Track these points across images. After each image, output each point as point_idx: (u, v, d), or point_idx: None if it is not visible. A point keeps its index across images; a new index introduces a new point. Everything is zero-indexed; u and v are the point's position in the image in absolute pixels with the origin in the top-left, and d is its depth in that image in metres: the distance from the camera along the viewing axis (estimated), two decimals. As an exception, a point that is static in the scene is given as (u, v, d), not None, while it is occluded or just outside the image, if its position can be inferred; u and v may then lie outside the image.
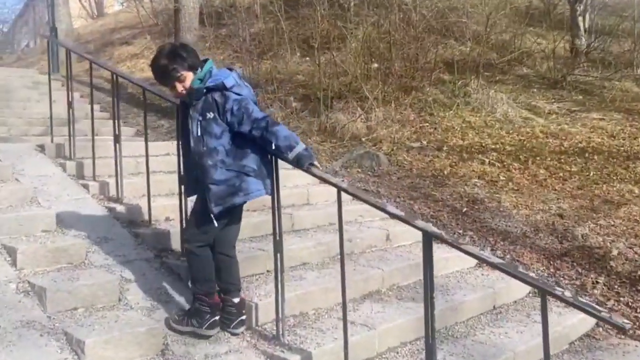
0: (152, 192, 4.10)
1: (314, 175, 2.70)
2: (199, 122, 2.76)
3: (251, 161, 2.79)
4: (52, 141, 5.24)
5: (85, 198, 4.13)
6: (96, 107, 7.15)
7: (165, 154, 5.06)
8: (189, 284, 3.05)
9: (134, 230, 3.78)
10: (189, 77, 2.76)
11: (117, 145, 4.25)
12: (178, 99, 3.02)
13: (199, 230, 2.86)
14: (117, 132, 4.24)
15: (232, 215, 2.91)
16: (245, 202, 2.87)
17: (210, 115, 2.75)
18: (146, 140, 4.04)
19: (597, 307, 1.77)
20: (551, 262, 4.57)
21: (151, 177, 4.11)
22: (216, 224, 2.79)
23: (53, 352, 2.42)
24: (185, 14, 8.42)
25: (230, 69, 2.91)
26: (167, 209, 4.05)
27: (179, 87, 2.77)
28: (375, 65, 8.79)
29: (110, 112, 6.14)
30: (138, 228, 3.83)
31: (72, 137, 4.82)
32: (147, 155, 3.98)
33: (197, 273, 2.90)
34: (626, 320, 3.69)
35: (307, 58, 10.01)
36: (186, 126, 2.86)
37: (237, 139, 2.79)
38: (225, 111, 2.76)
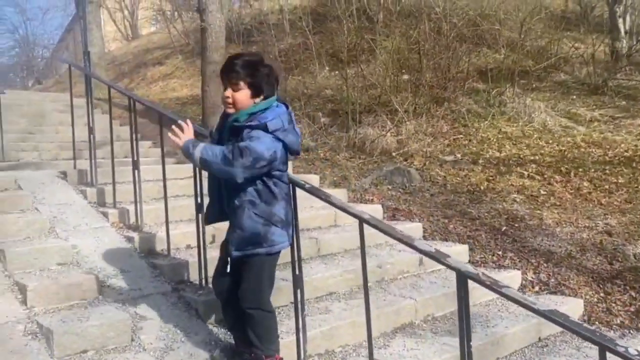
0: (174, 217, 3.96)
1: (334, 205, 2.47)
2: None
3: (280, 208, 2.55)
4: (74, 167, 5.17)
5: (104, 227, 4.00)
6: (127, 128, 7.16)
7: (190, 177, 4.90)
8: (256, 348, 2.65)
9: (151, 261, 3.61)
10: (244, 95, 2.46)
11: (136, 171, 4.11)
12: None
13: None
14: (135, 158, 4.11)
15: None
16: (268, 253, 2.58)
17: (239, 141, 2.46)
18: (163, 165, 3.89)
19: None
20: (600, 286, 4.20)
21: (173, 202, 3.96)
22: (227, 270, 2.59)
23: (55, 404, 2.25)
24: (212, 32, 8.34)
25: (287, 106, 2.59)
26: (187, 236, 3.88)
27: (227, 93, 2.48)
28: (405, 76, 8.54)
29: (140, 134, 6.05)
30: (156, 258, 3.66)
31: (93, 162, 4.73)
32: (164, 179, 3.83)
33: (267, 332, 2.64)
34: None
35: (336, 72, 9.85)
36: (219, 142, 2.57)
37: (269, 182, 2.52)
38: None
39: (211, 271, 2.93)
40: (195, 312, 3.14)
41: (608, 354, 1.60)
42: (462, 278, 1.89)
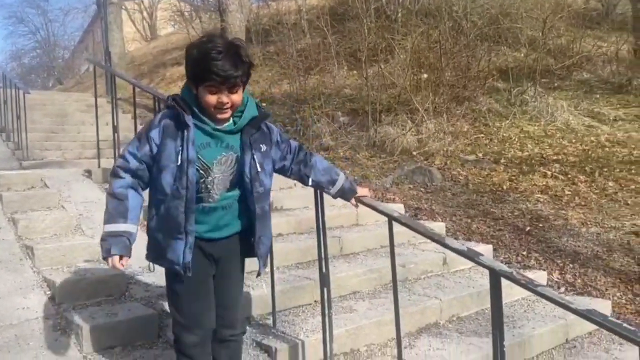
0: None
1: (364, 204, 2.45)
2: (252, 156, 2.10)
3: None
4: (99, 166, 5.22)
5: (129, 225, 4.03)
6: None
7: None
8: None
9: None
10: (240, 92, 2.03)
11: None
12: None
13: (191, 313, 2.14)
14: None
15: None
16: None
17: (263, 148, 2.16)
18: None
19: None
20: (629, 287, 4.12)
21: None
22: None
23: (86, 398, 2.27)
24: (232, 32, 8.37)
25: None
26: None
27: (226, 99, 1.97)
28: (425, 75, 8.47)
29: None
30: (181, 256, 3.68)
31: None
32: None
33: None
34: None
35: (355, 72, 9.82)
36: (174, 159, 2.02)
37: None
38: (272, 143, 2.23)
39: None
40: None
41: None
42: (496, 277, 1.86)
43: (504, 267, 1.89)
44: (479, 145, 7.28)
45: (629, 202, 5.47)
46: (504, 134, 7.48)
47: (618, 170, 6.19)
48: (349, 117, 8.33)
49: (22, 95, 6.24)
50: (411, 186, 6.21)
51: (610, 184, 5.91)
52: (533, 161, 6.65)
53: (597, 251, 4.59)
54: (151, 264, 2.22)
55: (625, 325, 1.62)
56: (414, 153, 7.13)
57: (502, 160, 6.72)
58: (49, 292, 3.04)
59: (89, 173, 4.97)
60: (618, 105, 8.24)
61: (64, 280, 3.04)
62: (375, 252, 4.18)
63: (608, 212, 5.27)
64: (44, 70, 34.78)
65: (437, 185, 6.21)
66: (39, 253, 3.32)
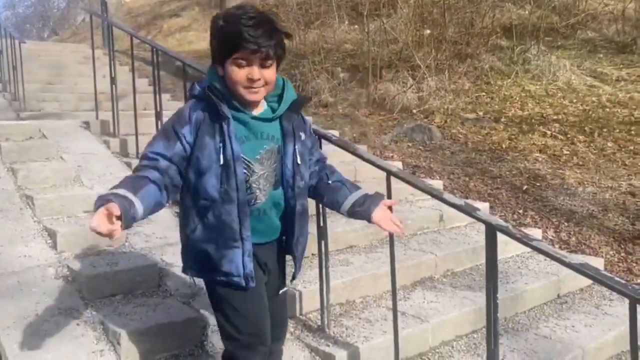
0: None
1: (362, 157, 2.46)
2: (295, 146, 1.85)
3: None
4: (97, 118, 5.19)
5: (128, 177, 4.04)
6: (146, 81, 7.15)
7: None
8: None
9: (176, 210, 3.66)
10: (274, 70, 1.75)
11: (159, 121, 4.13)
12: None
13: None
14: (158, 109, 4.11)
15: None
16: None
17: (303, 136, 1.90)
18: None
19: None
20: (622, 246, 4.19)
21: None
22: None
23: (89, 343, 2.33)
24: (230, -17, 8.19)
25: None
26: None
27: (258, 74, 1.69)
28: (428, 31, 8.33)
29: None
30: (180, 208, 3.71)
31: (115, 114, 4.74)
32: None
33: None
34: None
35: (356, 26, 9.64)
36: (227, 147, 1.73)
37: None
38: (306, 134, 1.95)
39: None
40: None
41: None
42: (492, 230, 1.89)
43: (500, 221, 1.92)
44: (480, 103, 7.24)
45: (627, 162, 5.49)
46: (505, 93, 7.42)
47: (617, 130, 6.18)
48: (349, 74, 8.24)
49: (18, 44, 6.14)
50: (410, 144, 6.21)
51: (609, 144, 5.92)
52: (533, 120, 6.62)
53: (593, 210, 4.63)
54: (191, 277, 1.87)
55: (617, 278, 1.66)
56: (414, 111, 7.09)
57: (503, 119, 6.70)
58: (49, 241, 3.08)
59: (87, 125, 4.95)
60: (621, 65, 8.14)
61: (65, 230, 3.07)
62: (372, 208, 4.21)
63: (605, 172, 5.29)
64: (39, 20, 34.04)
65: (436, 143, 6.20)
66: (39, 203, 3.35)
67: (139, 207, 1.58)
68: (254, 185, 1.78)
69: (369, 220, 1.97)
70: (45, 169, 3.79)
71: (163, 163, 1.70)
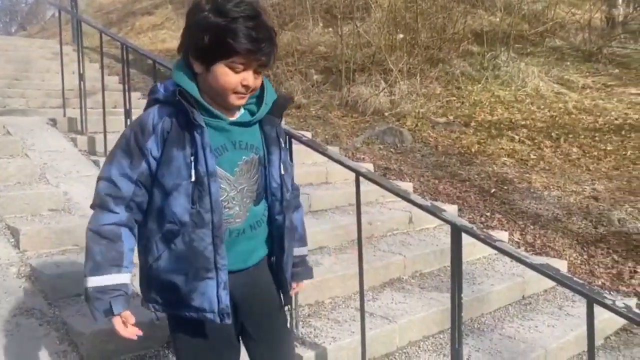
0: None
1: (331, 158, 2.47)
2: (280, 153, 1.66)
3: None
4: (64, 115, 5.09)
5: (95, 175, 3.96)
6: (116, 78, 7.04)
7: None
8: None
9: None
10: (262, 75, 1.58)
11: (128, 119, 4.07)
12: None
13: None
14: (127, 107, 4.06)
15: None
16: None
17: (282, 143, 1.69)
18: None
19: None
20: (585, 249, 4.30)
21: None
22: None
23: (51, 343, 2.28)
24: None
25: None
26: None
27: (252, 82, 1.50)
28: (401, 35, 8.43)
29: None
30: (148, 208, 3.67)
31: (83, 111, 4.66)
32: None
33: None
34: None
35: (330, 29, 9.68)
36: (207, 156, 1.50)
37: None
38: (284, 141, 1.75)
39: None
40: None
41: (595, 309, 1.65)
42: (457, 231, 1.92)
43: (465, 222, 1.95)
44: (451, 108, 7.34)
45: (591, 167, 5.64)
46: (476, 98, 7.55)
47: (583, 137, 6.35)
48: (322, 76, 8.27)
49: (-17, 38, 5.98)
50: (381, 146, 6.26)
51: (574, 149, 6.07)
52: (502, 125, 6.75)
53: (557, 214, 4.74)
54: (155, 312, 1.61)
55: (576, 279, 1.70)
56: (386, 114, 7.15)
57: (472, 124, 6.81)
58: (12, 240, 3.00)
59: (53, 122, 4.85)
60: (587, 74, 8.37)
61: (28, 229, 3.00)
62: (343, 210, 4.23)
63: (570, 176, 5.42)
64: (6, 14, 33.20)
65: (407, 146, 6.27)
66: (2, 200, 3.26)
67: (129, 280, 1.54)
68: (232, 202, 1.55)
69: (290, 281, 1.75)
70: (9, 166, 3.69)
71: (127, 190, 1.49)
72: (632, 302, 3.63)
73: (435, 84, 7.84)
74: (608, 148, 6.06)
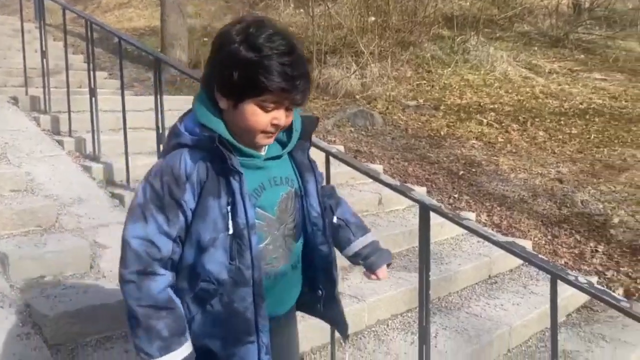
0: (134, 149, 3.84)
1: (301, 137, 2.45)
2: (316, 180, 1.51)
3: None
4: (26, 93, 4.92)
5: (60, 155, 3.87)
6: (81, 57, 6.84)
7: (150, 109, 4.75)
8: None
9: (110, 191, 3.55)
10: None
11: (93, 99, 3.96)
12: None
13: None
14: (92, 85, 3.94)
15: None
16: None
17: (315, 168, 1.56)
18: (122, 94, 3.77)
19: (615, 295, 1.58)
20: (549, 229, 4.41)
21: (133, 134, 3.86)
22: None
23: (13, 326, 2.22)
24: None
25: None
26: (148, 167, 3.80)
27: (284, 120, 1.33)
28: (372, 18, 8.40)
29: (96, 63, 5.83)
30: (115, 188, 3.59)
31: (47, 90, 4.52)
32: (123, 110, 3.73)
33: None
34: None
35: (301, 10, 9.59)
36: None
37: None
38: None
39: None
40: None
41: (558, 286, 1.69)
42: (425, 210, 1.94)
43: (434, 202, 1.97)
44: (421, 91, 7.39)
45: (556, 151, 5.77)
46: (445, 82, 7.61)
47: (549, 120, 6.47)
48: (293, 57, 8.19)
49: (-62, 13, 5.72)
50: (352, 129, 6.27)
51: (541, 133, 6.19)
52: (471, 109, 6.83)
53: (523, 196, 4.84)
54: None
55: (540, 256, 1.74)
56: (357, 97, 7.15)
57: (442, 107, 6.87)
58: (-28, 221, 2.91)
59: (15, 100, 4.69)
60: (554, 59, 8.53)
61: (-11, 209, 2.91)
62: (313, 191, 4.22)
63: (536, 159, 5.53)
64: (-36, -10, 31.85)
65: (378, 129, 6.29)
66: (-40, 181, 3.15)
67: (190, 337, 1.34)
68: (273, 245, 1.39)
69: (369, 274, 1.69)
70: (-33, 146, 3.57)
71: (167, 248, 1.30)
72: (593, 279, 3.74)
73: (406, 67, 7.87)
74: (573, 132, 6.20)
